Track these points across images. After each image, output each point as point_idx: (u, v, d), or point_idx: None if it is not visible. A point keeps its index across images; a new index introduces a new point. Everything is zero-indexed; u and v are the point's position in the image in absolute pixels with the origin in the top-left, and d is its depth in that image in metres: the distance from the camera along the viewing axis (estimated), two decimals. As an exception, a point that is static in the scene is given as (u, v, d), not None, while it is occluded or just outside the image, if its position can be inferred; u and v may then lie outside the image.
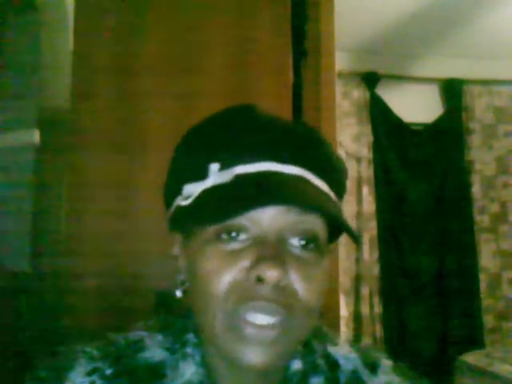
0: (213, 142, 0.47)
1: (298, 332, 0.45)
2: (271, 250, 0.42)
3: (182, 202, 0.47)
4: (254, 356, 0.42)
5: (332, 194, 0.48)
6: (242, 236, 0.44)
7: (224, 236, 0.44)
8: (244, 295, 0.42)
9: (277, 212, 0.43)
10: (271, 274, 0.40)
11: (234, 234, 0.44)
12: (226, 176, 0.44)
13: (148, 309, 0.93)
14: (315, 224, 0.45)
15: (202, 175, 0.45)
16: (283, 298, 0.42)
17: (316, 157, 0.48)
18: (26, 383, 0.47)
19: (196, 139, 0.50)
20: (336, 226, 0.47)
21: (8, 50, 1.31)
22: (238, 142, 0.46)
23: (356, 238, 0.45)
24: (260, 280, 0.41)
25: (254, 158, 0.44)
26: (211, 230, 0.44)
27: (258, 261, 0.41)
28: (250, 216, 0.43)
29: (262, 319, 0.42)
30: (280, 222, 0.43)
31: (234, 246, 0.44)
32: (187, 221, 0.47)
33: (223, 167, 0.45)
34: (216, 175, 0.45)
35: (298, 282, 0.43)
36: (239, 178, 0.44)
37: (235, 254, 0.43)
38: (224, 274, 0.43)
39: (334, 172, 0.50)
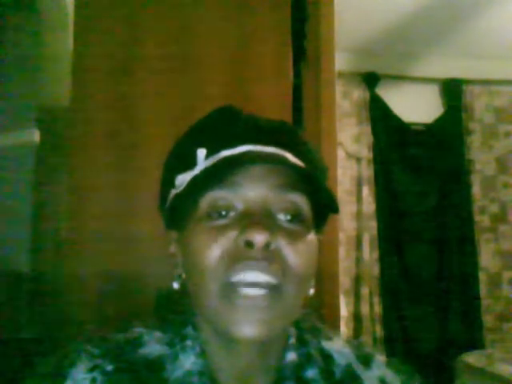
0: (200, 133, 0.51)
1: (290, 302, 0.46)
2: (258, 217, 0.45)
3: (175, 191, 0.50)
4: (247, 327, 0.43)
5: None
6: (231, 214, 0.46)
7: (214, 215, 0.46)
8: (234, 259, 0.44)
9: (262, 188, 0.46)
10: (259, 236, 0.42)
11: (223, 213, 0.46)
12: (212, 160, 0.47)
13: (148, 309, 0.93)
14: (299, 200, 0.48)
15: (192, 164, 0.48)
16: (274, 259, 0.44)
17: (293, 141, 0.51)
18: (28, 381, 0.48)
19: (185, 135, 0.53)
20: (321, 204, 0.49)
21: (8, 50, 1.31)
22: (221, 131, 0.49)
23: (335, 205, 0.47)
24: (249, 245, 0.43)
25: (237, 142, 0.48)
26: (202, 210, 0.47)
27: (246, 227, 0.43)
28: (238, 194, 0.46)
29: (254, 277, 0.43)
30: (265, 196, 0.46)
31: (224, 221, 0.46)
32: (181, 203, 0.49)
33: (210, 153, 0.48)
34: (203, 161, 0.48)
35: (286, 249, 0.45)
36: (224, 159, 0.47)
37: (224, 228, 0.45)
38: (214, 246, 0.45)
39: (311, 155, 0.52)
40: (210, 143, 0.48)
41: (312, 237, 0.49)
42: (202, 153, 0.48)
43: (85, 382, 0.47)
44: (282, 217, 0.47)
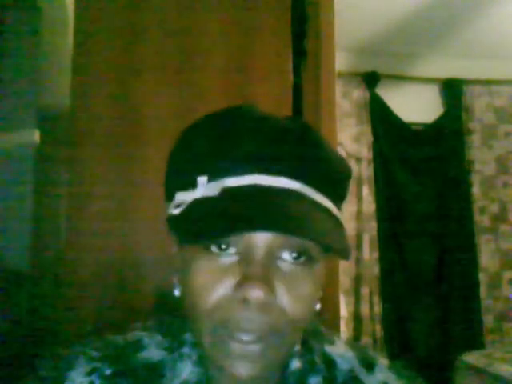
0: (201, 150, 0.46)
1: (284, 346, 0.44)
2: (258, 268, 0.41)
3: (173, 210, 0.47)
4: (241, 369, 0.42)
5: (330, 205, 0.46)
6: (232, 249, 0.43)
7: (214, 249, 0.43)
8: (228, 314, 0.42)
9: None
10: (256, 295, 0.40)
11: (223, 247, 0.43)
12: (215, 188, 0.43)
13: (148, 309, 0.93)
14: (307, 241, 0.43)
15: (192, 184, 0.45)
16: (268, 318, 0.42)
17: (313, 165, 0.45)
18: (27, 383, 0.48)
19: (187, 146, 0.48)
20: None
21: (8, 49, 1.31)
22: (225, 152, 0.44)
23: (347, 256, 0.43)
24: (245, 300, 0.41)
25: (243, 169, 0.43)
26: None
27: (244, 280, 0.41)
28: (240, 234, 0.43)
29: (246, 336, 0.41)
30: (270, 238, 0.42)
31: (224, 260, 0.43)
32: (177, 232, 0.47)
33: (211, 179, 0.44)
34: (204, 187, 0.44)
35: (285, 299, 0.42)
36: (227, 193, 0.43)
37: (223, 271, 0.43)
38: (211, 291, 0.42)
39: (333, 178, 0.48)
40: (211, 165, 0.44)
41: (319, 269, 0.46)
42: (202, 180, 0.44)
43: None
44: (286, 256, 0.43)
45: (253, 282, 0.40)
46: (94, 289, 1.00)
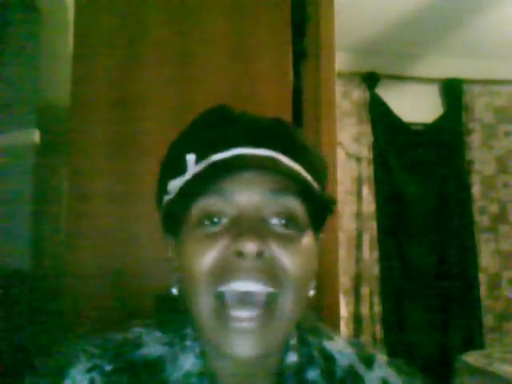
0: (189, 137, 0.50)
1: (287, 313, 0.45)
2: (249, 225, 0.44)
3: (167, 197, 0.50)
4: (240, 347, 0.43)
5: (308, 176, 0.49)
6: (223, 220, 0.46)
7: (206, 222, 0.46)
8: (225, 269, 0.43)
9: (254, 194, 0.45)
10: (250, 246, 0.42)
11: (215, 220, 0.46)
12: (203, 165, 0.46)
13: (148, 310, 0.93)
14: (292, 203, 0.47)
15: (183, 169, 0.48)
16: (267, 268, 0.43)
17: (288, 140, 0.50)
18: (27, 380, 0.48)
19: (177, 140, 0.52)
20: (318, 206, 0.49)
21: (8, 49, 1.31)
22: (211, 133, 0.48)
23: (329, 207, 0.47)
24: (240, 254, 0.43)
25: (228, 145, 0.47)
26: (194, 217, 0.46)
27: (237, 236, 0.43)
28: (229, 200, 0.45)
29: (245, 287, 0.43)
30: (257, 202, 0.45)
31: (216, 229, 0.45)
32: (174, 209, 0.49)
33: (200, 158, 0.47)
34: (193, 167, 0.47)
35: (282, 255, 0.44)
36: (214, 164, 0.46)
37: (216, 235, 0.45)
38: (205, 254, 0.44)
39: (308, 156, 0.51)
40: (199, 147, 0.48)
41: (308, 239, 0.48)
42: (191, 158, 0.47)
43: (83, 381, 0.47)
44: (275, 221, 0.46)
45: (246, 235, 0.42)
46: (94, 288, 1.00)
